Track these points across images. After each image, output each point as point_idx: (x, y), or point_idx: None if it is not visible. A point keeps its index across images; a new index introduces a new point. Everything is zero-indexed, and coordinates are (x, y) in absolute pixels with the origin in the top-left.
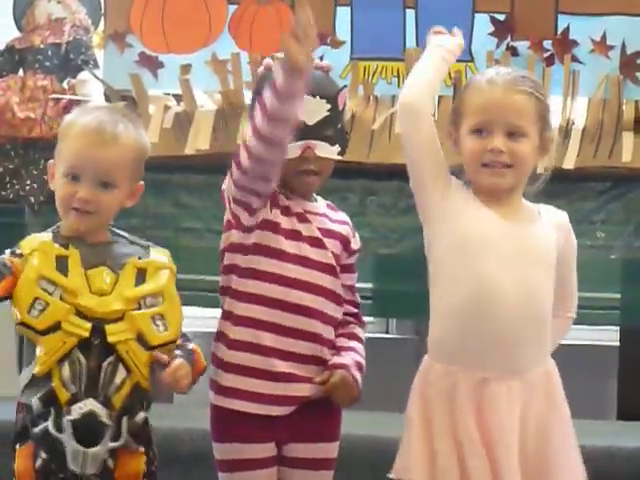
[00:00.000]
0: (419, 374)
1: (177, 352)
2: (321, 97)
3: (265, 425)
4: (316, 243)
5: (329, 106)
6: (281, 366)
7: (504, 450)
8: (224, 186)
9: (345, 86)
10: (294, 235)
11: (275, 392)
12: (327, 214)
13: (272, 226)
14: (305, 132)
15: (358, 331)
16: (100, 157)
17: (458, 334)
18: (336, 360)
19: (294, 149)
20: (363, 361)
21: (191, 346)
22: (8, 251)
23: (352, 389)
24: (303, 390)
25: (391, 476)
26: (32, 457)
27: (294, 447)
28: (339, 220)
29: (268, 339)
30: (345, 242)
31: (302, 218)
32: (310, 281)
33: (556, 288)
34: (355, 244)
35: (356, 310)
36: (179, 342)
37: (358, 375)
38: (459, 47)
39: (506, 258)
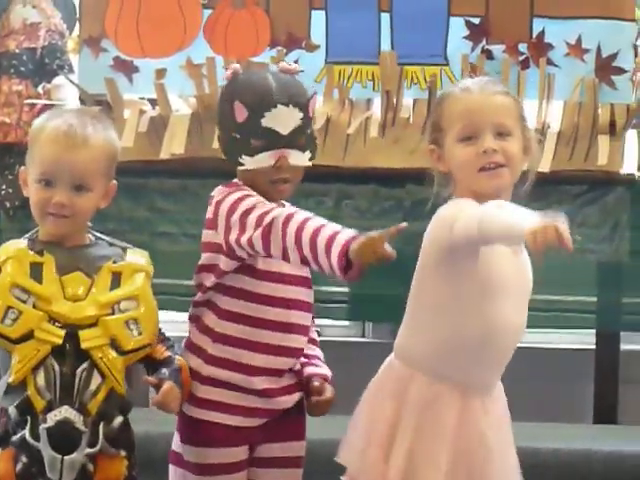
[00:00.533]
0: (392, 381)
1: (165, 372)
2: (294, 106)
3: (239, 431)
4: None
5: (301, 115)
6: (260, 383)
7: (484, 454)
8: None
9: (315, 93)
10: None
11: (253, 405)
12: None
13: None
14: (278, 141)
15: (315, 335)
16: (72, 161)
17: (461, 359)
18: (318, 371)
19: (267, 158)
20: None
21: (177, 363)
22: None
23: (331, 402)
24: (280, 403)
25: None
26: (13, 461)
27: (268, 447)
28: None
29: (248, 357)
30: None
31: None
32: (287, 297)
33: None
34: None
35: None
36: (167, 355)
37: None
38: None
39: (513, 300)
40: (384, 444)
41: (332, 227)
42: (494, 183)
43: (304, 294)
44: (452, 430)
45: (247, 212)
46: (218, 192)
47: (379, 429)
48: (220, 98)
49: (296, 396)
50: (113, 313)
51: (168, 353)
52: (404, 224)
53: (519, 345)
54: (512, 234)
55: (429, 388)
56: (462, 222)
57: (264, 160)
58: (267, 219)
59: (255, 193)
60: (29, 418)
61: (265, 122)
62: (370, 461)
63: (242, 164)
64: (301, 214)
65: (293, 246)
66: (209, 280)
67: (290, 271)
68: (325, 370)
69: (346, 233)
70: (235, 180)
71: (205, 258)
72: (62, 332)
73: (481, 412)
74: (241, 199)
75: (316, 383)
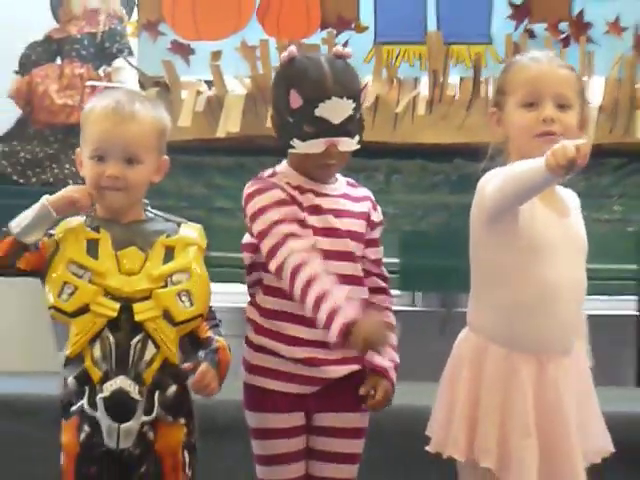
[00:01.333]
0: (469, 353)
1: (200, 355)
2: (347, 97)
3: (294, 398)
4: (330, 233)
5: (354, 104)
6: (302, 353)
7: (564, 428)
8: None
9: (367, 84)
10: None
11: (299, 372)
12: (347, 193)
13: None
14: (329, 129)
15: (388, 304)
16: (121, 134)
17: (523, 325)
18: (377, 362)
19: (318, 145)
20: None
21: (216, 345)
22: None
23: (389, 398)
24: (329, 372)
25: (429, 449)
26: (77, 430)
27: (323, 416)
28: (359, 197)
29: (290, 329)
30: (367, 218)
31: (315, 210)
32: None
33: None
34: (377, 217)
35: (384, 284)
36: (208, 335)
37: (394, 376)
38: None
39: (566, 257)
40: (467, 417)
41: (335, 299)
42: (547, 150)
43: (346, 268)
44: (532, 398)
45: (262, 234)
46: (245, 190)
47: (460, 402)
48: (275, 81)
49: (350, 367)
50: (166, 286)
51: (209, 334)
52: None
53: None
54: (534, 171)
55: (505, 360)
56: (491, 185)
57: (315, 146)
58: (279, 257)
59: (276, 197)
60: (87, 389)
61: (318, 112)
62: (454, 433)
63: (293, 147)
64: (309, 269)
65: (298, 299)
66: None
67: (331, 247)
68: (384, 361)
69: (346, 312)
70: (263, 173)
71: (248, 238)
72: (117, 305)
73: (557, 376)
74: (260, 212)
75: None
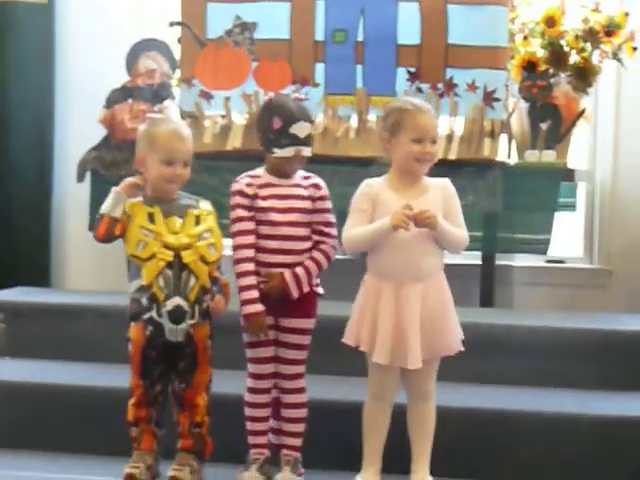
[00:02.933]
0: (363, 283)
1: (215, 289)
2: (308, 122)
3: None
4: (286, 210)
5: (311, 126)
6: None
7: (411, 323)
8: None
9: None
10: (273, 209)
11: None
12: (299, 183)
13: (262, 210)
14: (297, 141)
15: (324, 246)
16: (183, 148)
17: (386, 265)
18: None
19: (290, 151)
20: (313, 269)
21: (222, 282)
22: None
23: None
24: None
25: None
26: (143, 329)
27: (285, 320)
28: (307, 185)
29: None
30: (310, 197)
31: (276, 196)
32: (287, 234)
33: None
34: (318, 194)
35: (325, 235)
36: (217, 275)
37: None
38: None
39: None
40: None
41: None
42: (422, 169)
43: (296, 232)
44: (392, 308)
45: (233, 234)
46: (232, 187)
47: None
48: (261, 112)
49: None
50: (199, 240)
51: (217, 274)
52: None
53: None
54: (380, 231)
55: (375, 285)
56: (345, 239)
57: (288, 152)
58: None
59: (238, 218)
60: (154, 305)
61: (292, 130)
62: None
63: (274, 152)
64: (235, 257)
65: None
66: None
67: (284, 219)
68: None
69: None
70: (238, 187)
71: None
72: (171, 253)
73: (409, 294)
74: (233, 220)
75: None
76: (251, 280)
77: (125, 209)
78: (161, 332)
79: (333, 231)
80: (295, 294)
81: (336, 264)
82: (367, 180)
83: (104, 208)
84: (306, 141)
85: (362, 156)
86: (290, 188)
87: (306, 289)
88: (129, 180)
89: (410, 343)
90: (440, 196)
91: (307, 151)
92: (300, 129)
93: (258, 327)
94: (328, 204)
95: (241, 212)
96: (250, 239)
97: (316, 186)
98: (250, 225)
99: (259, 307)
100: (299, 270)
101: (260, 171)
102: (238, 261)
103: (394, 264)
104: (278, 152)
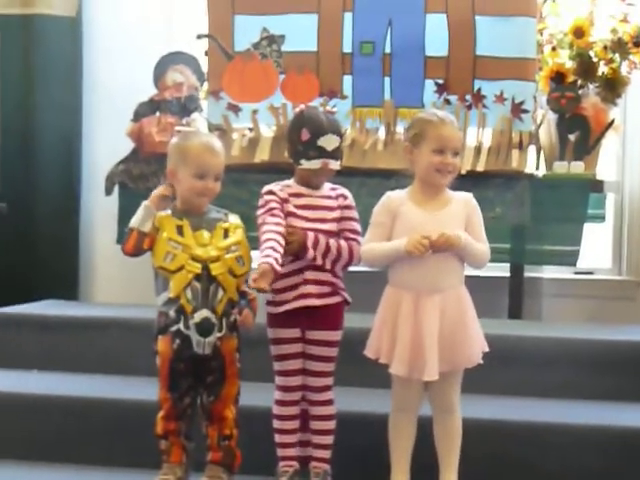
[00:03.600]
0: (386, 296)
1: (243, 303)
2: (337, 134)
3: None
4: (315, 219)
5: (339, 140)
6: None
7: (429, 335)
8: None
9: (346, 130)
10: (303, 218)
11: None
12: (328, 194)
13: (292, 214)
14: (324, 154)
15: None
16: (215, 162)
17: (404, 276)
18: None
19: (317, 163)
20: (333, 249)
21: (250, 296)
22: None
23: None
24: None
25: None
26: (170, 342)
27: (312, 333)
28: (335, 195)
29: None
30: (338, 207)
31: (305, 207)
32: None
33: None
34: (344, 204)
35: (352, 239)
36: (244, 289)
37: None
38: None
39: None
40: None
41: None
42: (444, 180)
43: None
44: (411, 319)
45: (259, 225)
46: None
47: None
48: (291, 123)
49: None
50: (227, 253)
51: (245, 288)
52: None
53: None
54: (394, 252)
55: (395, 295)
56: (362, 251)
57: (315, 164)
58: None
59: (269, 206)
60: (182, 317)
61: (319, 142)
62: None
63: (301, 164)
64: (262, 238)
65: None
66: None
67: (314, 227)
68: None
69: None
70: (269, 187)
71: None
72: (199, 265)
73: (427, 305)
74: (262, 210)
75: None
76: (273, 244)
77: (154, 222)
78: (189, 345)
79: (359, 238)
80: (310, 254)
81: (360, 275)
82: (388, 192)
83: (133, 222)
84: (334, 154)
85: (390, 168)
86: (320, 199)
87: (319, 262)
88: (158, 192)
89: (427, 355)
90: (462, 209)
91: (335, 164)
92: (328, 142)
93: (264, 279)
94: (354, 213)
95: (273, 204)
96: (280, 221)
97: (343, 196)
98: (280, 214)
99: (272, 261)
100: (322, 238)
101: (290, 182)
102: (264, 233)
103: (413, 276)
104: (305, 164)
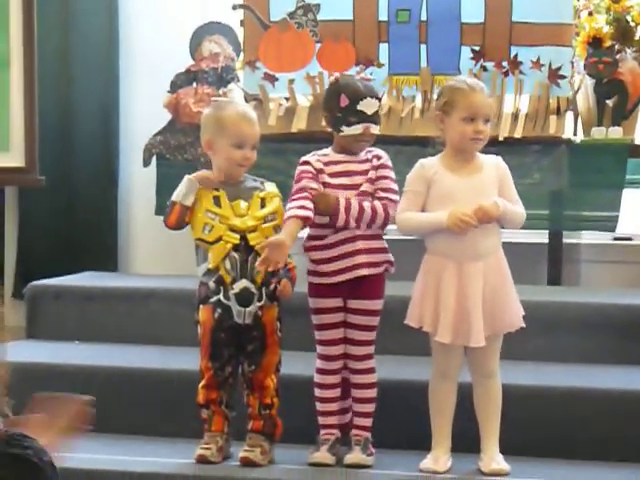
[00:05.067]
0: (425, 264)
1: (281, 273)
2: (375, 98)
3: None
4: (353, 187)
5: (378, 103)
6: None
7: (474, 301)
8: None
9: (384, 92)
10: (339, 186)
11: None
12: (366, 158)
13: (327, 185)
14: (365, 118)
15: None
16: (252, 132)
17: (445, 244)
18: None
19: (358, 128)
20: (368, 210)
21: (289, 266)
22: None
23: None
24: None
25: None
26: (212, 312)
27: (354, 302)
28: (372, 157)
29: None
30: (372, 168)
31: (339, 174)
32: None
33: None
34: (377, 163)
35: (385, 198)
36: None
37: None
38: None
39: (467, 202)
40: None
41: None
42: (475, 147)
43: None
44: (454, 287)
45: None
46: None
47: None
48: (328, 92)
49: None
50: (265, 223)
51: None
52: None
53: None
54: (434, 224)
55: (438, 263)
56: (397, 219)
57: (357, 129)
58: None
59: (305, 169)
60: (222, 288)
61: (359, 107)
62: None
63: (342, 131)
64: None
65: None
66: None
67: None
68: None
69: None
70: (305, 158)
71: None
72: (237, 236)
73: (470, 272)
74: (296, 180)
75: None
76: (302, 202)
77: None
78: (229, 315)
79: (393, 196)
80: (340, 220)
81: (397, 243)
82: (421, 160)
83: (176, 195)
84: (374, 118)
85: (427, 136)
86: (357, 164)
87: (352, 225)
88: (204, 172)
89: (473, 321)
90: (494, 173)
91: (375, 128)
92: (368, 106)
93: (276, 252)
94: (389, 172)
95: (307, 174)
96: (314, 185)
97: (377, 157)
98: (314, 181)
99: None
100: (354, 201)
101: (327, 150)
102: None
103: (454, 244)
104: (346, 130)
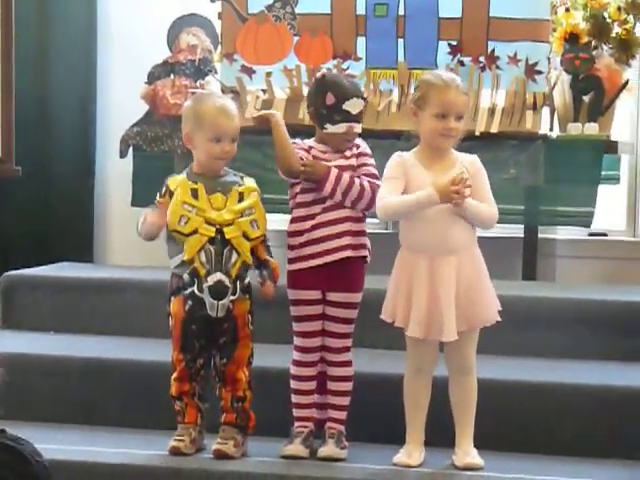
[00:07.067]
0: (397, 258)
1: (265, 274)
2: (360, 98)
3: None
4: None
5: (363, 103)
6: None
7: (446, 296)
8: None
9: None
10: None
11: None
12: (344, 154)
13: None
14: (349, 117)
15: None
16: (230, 125)
17: (418, 238)
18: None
19: (342, 127)
20: (357, 184)
21: (272, 266)
22: (157, 195)
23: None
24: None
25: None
26: (183, 304)
27: (333, 294)
28: (352, 145)
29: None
30: (352, 156)
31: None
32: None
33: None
34: (357, 151)
35: (367, 178)
36: (265, 258)
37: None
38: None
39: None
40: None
41: None
42: (447, 143)
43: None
44: (426, 281)
45: None
46: None
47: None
48: (314, 88)
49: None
50: (242, 217)
51: (266, 256)
52: None
53: None
54: (423, 203)
55: (410, 258)
56: (380, 206)
57: (341, 128)
58: None
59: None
60: (196, 280)
61: (345, 106)
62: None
63: (326, 128)
64: None
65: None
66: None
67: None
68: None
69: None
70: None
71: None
72: (213, 229)
73: (443, 266)
74: None
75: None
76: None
77: (169, 186)
78: (201, 306)
79: (377, 181)
80: (327, 187)
81: (377, 237)
82: (398, 152)
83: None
84: (358, 117)
85: (404, 130)
86: (340, 160)
87: (339, 198)
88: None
89: (445, 315)
90: (468, 171)
91: (358, 127)
92: (353, 105)
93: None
94: (369, 159)
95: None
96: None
97: (356, 145)
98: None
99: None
100: (345, 174)
101: (311, 142)
102: None
103: (426, 238)
104: (331, 128)
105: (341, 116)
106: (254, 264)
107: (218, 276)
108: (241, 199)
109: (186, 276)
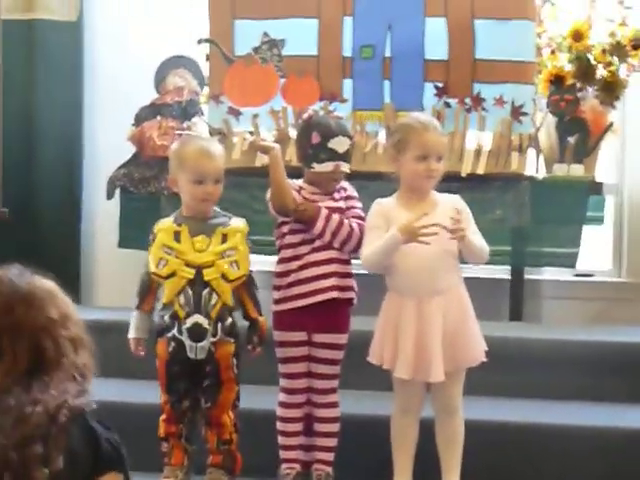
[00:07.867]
0: (386, 303)
1: (255, 340)
2: (347, 137)
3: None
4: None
5: (349, 142)
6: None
7: (433, 337)
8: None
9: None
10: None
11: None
12: (332, 196)
13: None
14: (336, 156)
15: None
16: (213, 166)
17: (405, 282)
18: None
19: (329, 166)
20: (346, 226)
21: (261, 327)
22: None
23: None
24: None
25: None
26: (166, 345)
27: (318, 336)
28: (339, 188)
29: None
30: (340, 199)
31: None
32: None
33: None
34: (346, 195)
35: (355, 224)
36: (255, 317)
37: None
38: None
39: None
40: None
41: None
42: (428, 185)
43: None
44: (413, 323)
45: None
46: None
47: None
48: (300, 128)
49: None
50: (222, 258)
51: (256, 315)
52: None
53: None
54: (393, 245)
55: (398, 300)
56: (363, 257)
57: (327, 167)
58: None
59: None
60: (176, 322)
61: (330, 145)
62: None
63: (313, 168)
64: None
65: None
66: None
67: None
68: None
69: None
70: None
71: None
72: (193, 271)
73: (430, 308)
74: None
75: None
76: None
77: (154, 231)
78: (183, 348)
79: (364, 223)
80: (318, 226)
81: (364, 279)
82: (378, 199)
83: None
84: (345, 156)
85: (390, 172)
86: (328, 202)
87: (328, 239)
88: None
89: (432, 357)
90: (450, 210)
91: (346, 166)
92: (339, 144)
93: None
94: (356, 202)
95: None
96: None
97: (343, 188)
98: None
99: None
100: (335, 215)
101: (300, 183)
102: None
103: (413, 280)
104: (317, 167)
105: (327, 155)
106: (245, 319)
107: (196, 318)
108: (224, 240)
109: (167, 318)
